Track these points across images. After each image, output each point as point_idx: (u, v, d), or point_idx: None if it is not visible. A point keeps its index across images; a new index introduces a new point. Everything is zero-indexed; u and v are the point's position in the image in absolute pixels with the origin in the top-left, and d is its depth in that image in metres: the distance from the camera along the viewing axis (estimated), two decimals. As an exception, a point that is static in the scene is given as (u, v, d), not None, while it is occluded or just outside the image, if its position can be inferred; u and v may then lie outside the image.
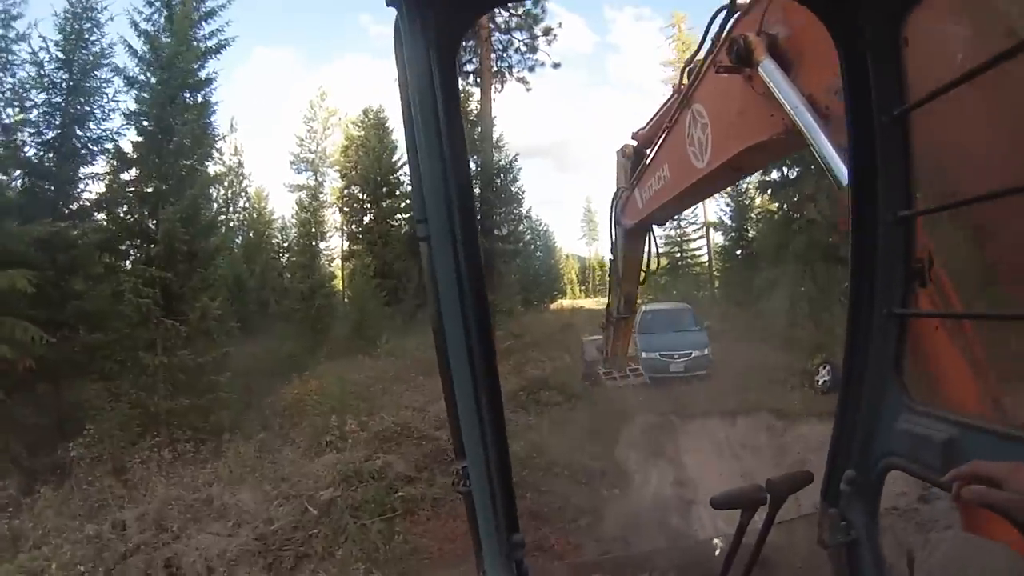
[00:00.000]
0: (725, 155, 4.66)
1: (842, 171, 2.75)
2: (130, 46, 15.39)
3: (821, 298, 15.55)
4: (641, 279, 8.89)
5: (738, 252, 26.80)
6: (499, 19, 21.07)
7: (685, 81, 5.54)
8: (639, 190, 7.49)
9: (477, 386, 1.41)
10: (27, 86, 14.01)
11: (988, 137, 1.69)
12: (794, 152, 4.85)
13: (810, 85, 3.15)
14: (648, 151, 7.18)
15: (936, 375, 1.90)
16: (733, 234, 27.26)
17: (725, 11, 3.88)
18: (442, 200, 1.34)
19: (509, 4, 20.29)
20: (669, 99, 6.57)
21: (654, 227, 8.28)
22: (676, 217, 32.91)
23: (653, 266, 8.50)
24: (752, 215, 25.97)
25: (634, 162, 8.17)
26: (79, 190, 14.99)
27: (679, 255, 33.93)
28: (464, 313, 1.38)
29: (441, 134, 1.34)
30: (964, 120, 1.65)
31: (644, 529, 8.70)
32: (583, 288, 56.46)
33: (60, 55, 14.40)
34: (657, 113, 7.23)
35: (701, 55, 4.89)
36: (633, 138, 8.15)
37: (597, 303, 31.90)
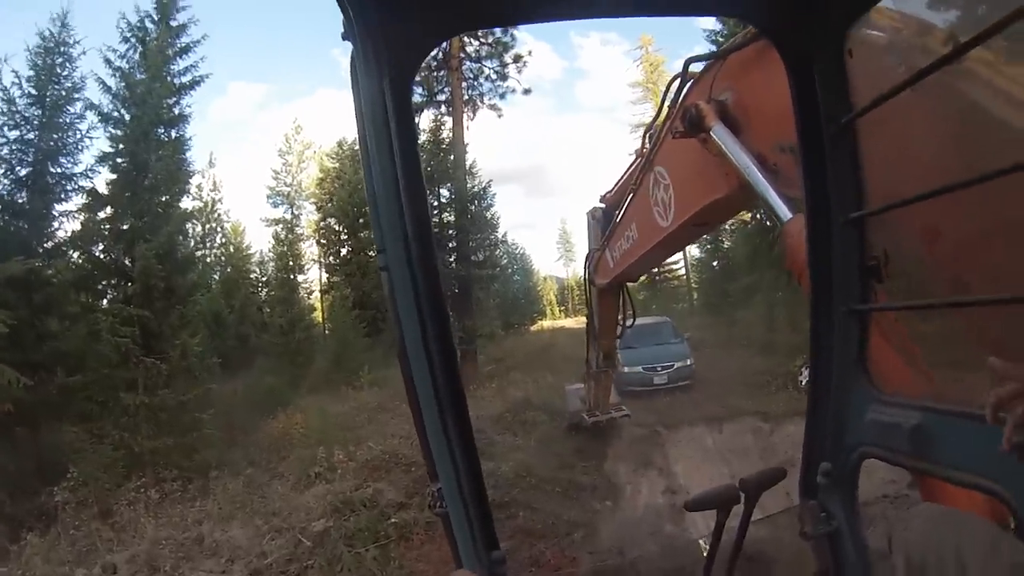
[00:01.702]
0: (688, 212, 4.84)
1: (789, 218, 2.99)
2: (103, 82, 15.24)
3: (798, 302, 15.82)
4: (618, 333, 9.03)
5: (715, 263, 27.18)
6: (469, 48, 21.35)
7: (647, 145, 5.75)
8: (609, 250, 7.69)
9: (443, 409, 1.43)
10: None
11: (930, 140, 1.77)
12: (751, 205, 5.09)
13: (758, 144, 3.36)
14: (616, 213, 7.39)
15: (897, 365, 1.94)
16: (709, 246, 27.66)
17: (679, 80, 4.13)
18: (399, 230, 1.37)
19: (477, 34, 20.66)
20: (633, 163, 6.77)
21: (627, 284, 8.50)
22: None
23: (629, 322, 8.63)
24: (727, 226, 26.39)
25: (603, 224, 8.43)
26: (53, 228, 14.66)
27: (657, 269, 34.29)
28: (426, 338, 1.40)
29: (396, 166, 1.37)
30: (908, 125, 1.74)
31: (638, 538, 8.76)
32: (562, 308, 56.66)
33: (32, 91, 14.18)
34: (622, 177, 7.45)
35: (660, 120, 5.13)
36: (602, 201, 8.39)
37: (576, 322, 32.11)
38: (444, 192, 21.75)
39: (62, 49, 14.59)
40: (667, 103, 4.43)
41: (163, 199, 14.95)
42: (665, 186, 5.19)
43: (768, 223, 19.56)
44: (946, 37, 1.45)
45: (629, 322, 8.58)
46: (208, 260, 26.50)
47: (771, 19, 1.74)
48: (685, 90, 4.11)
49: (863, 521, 1.86)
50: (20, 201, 14.02)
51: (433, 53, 19.94)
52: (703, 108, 3.68)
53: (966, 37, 1.29)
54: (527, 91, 22.54)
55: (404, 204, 1.37)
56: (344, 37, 1.36)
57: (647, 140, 5.76)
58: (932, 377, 2.03)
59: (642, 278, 35.20)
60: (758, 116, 3.40)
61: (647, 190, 5.61)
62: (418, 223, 1.38)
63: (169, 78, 16.44)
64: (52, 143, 14.41)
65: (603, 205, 8.37)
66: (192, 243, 20.25)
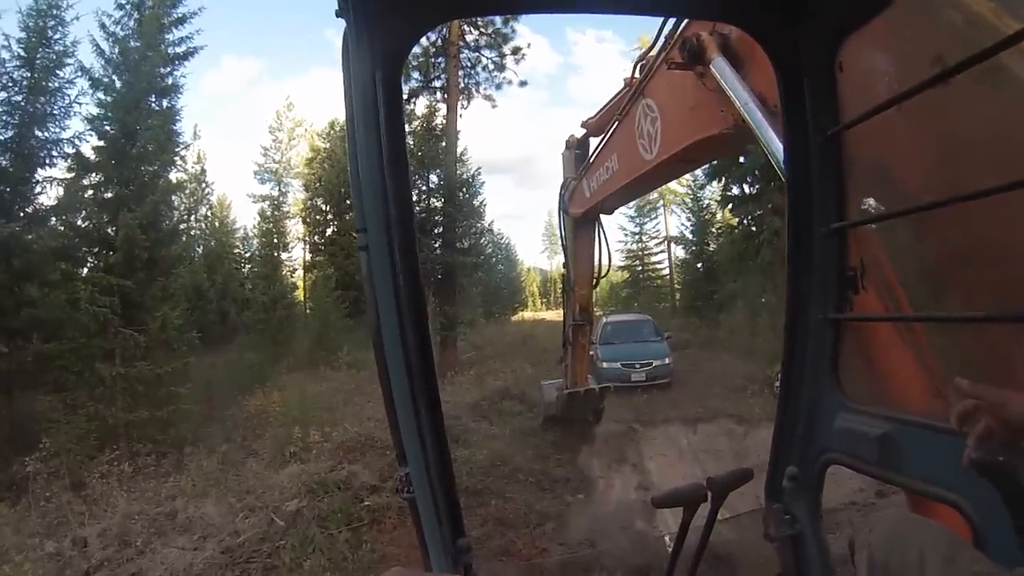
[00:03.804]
0: (674, 148, 4.73)
1: None
2: (97, 46, 14.95)
3: (781, 308, 15.94)
4: (594, 282, 8.79)
5: (699, 265, 27.32)
6: (469, 37, 21.19)
7: (637, 75, 5.62)
8: (587, 180, 7.50)
9: (415, 393, 1.42)
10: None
11: (916, 156, 1.82)
12: (743, 147, 4.92)
13: (760, 83, 3.18)
14: (598, 141, 7.17)
15: (870, 375, 1.95)
16: (694, 248, 27.83)
17: None
18: (381, 211, 1.37)
19: (477, 23, 20.50)
20: (620, 91, 6.58)
21: (602, 219, 8.25)
22: (639, 231, 33.51)
23: (605, 265, 8.42)
24: (713, 229, 26.57)
25: (578, 154, 8.23)
26: (35, 193, 14.40)
27: (641, 268, 34.48)
28: (401, 321, 1.39)
29: (382, 147, 1.36)
30: (894, 140, 1.78)
31: (609, 532, 8.84)
32: (544, 300, 56.91)
33: (22, 52, 13.79)
34: (608, 103, 7.24)
35: (654, 51, 4.96)
36: (583, 126, 8.12)
37: (558, 315, 32.16)
38: (433, 178, 21.62)
39: (55, 12, 14.20)
40: (665, 31, 4.29)
41: (151, 169, 14.73)
42: (653, 119, 5.07)
43: (754, 228, 19.72)
44: (934, 59, 1.47)
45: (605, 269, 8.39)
46: (192, 233, 26.21)
47: (766, 28, 1.79)
48: (686, 20, 3.91)
49: (827, 526, 1.92)
50: (3, 164, 13.70)
51: (432, 39, 19.93)
52: (704, 39, 3.55)
53: (955, 60, 1.32)
54: (523, 83, 22.44)
55: (388, 186, 1.36)
56: (338, 14, 1.36)
57: (638, 70, 5.61)
58: (903, 388, 2.06)
59: (625, 275, 35.46)
60: (763, 54, 3.23)
61: (633, 121, 5.49)
62: (401, 206, 1.38)
63: (164, 47, 16.21)
64: (39, 107, 14.08)
65: (583, 130, 8.16)
66: (177, 215, 19.94)
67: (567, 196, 8.32)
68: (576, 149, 8.42)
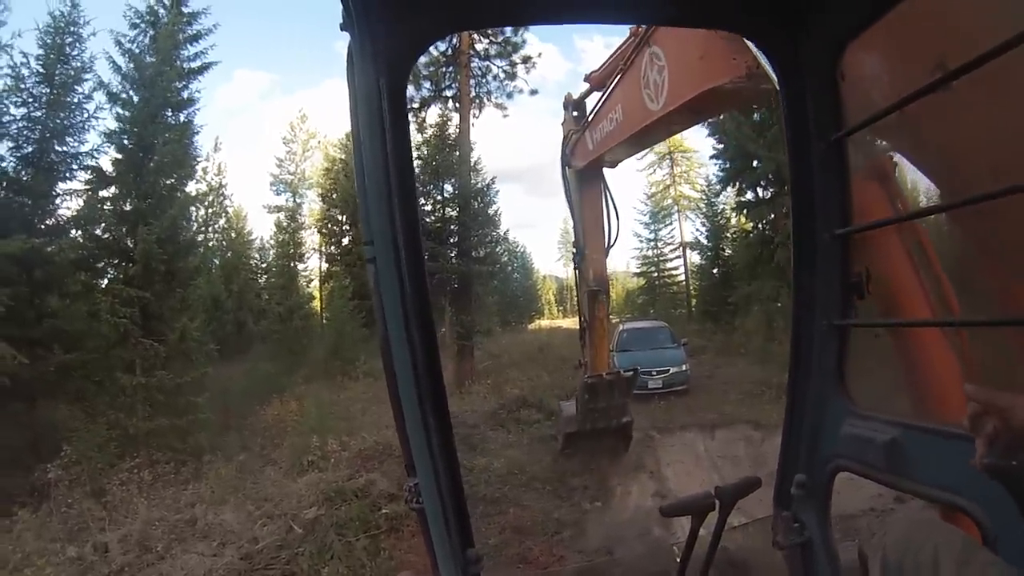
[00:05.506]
0: (682, 98, 4.70)
1: None
2: (113, 62, 15.18)
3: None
4: (607, 248, 8.52)
5: (714, 271, 27.18)
6: (479, 46, 21.29)
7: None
8: (590, 132, 7.41)
9: (424, 404, 1.42)
10: (5, 99, 13.62)
11: (921, 161, 1.82)
12: (752, 100, 4.79)
13: None
14: (600, 94, 7.09)
15: (878, 380, 1.98)
16: (709, 253, 27.71)
17: None
18: (387, 223, 1.37)
19: (488, 32, 20.57)
20: (625, 41, 6.44)
21: (606, 178, 8.12)
22: (653, 237, 33.36)
23: (614, 225, 8.23)
24: (728, 235, 26.46)
25: (575, 116, 8.14)
26: (55, 206, 14.57)
27: (656, 275, 34.33)
28: (409, 333, 1.39)
29: (388, 159, 1.36)
30: (900, 145, 1.78)
31: (626, 540, 8.79)
32: (561, 309, 56.67)
33: (41, 69, 14.00)
34: (613, 55, 7.11)
35: None
36: (586, 80, 8.01)
37: (574, 323, 32.08)
38: (448, 187, 21.65)
39: (72, 29, 14.42)
40: None
41: (168, 182, 14.98)
42: (660, 68, 5.01)
43: (769, 233, 19.61)
44: (936, 64, 1.47)
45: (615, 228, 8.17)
46: (210, 244, 26.46)
47: (768, 35, 1.79)
48: None
49: (844, 533, 1.91)
50: (24, 179, 13.88)
51: (442, 48, 20.02)
52: None
53: (957, 64, 1.32)
54: (534, 92, 22.45)
55: (394, 198, 1.37)
56: (343, 27, 1.37)
57: None
58: (912, 393, 2.04)
59: (641, 282, 35.20)
60: None
61: (639, 71, 5.43)
62: (407, 218, 1.38)
63: (178, 63, 16.47)
64: (59, 121, 14.27)
65: (587, 85, 8.06)
66: (195, 227, 20.18)
67: (569, 150, 8.18)
68: (574, 110, 8.32)
